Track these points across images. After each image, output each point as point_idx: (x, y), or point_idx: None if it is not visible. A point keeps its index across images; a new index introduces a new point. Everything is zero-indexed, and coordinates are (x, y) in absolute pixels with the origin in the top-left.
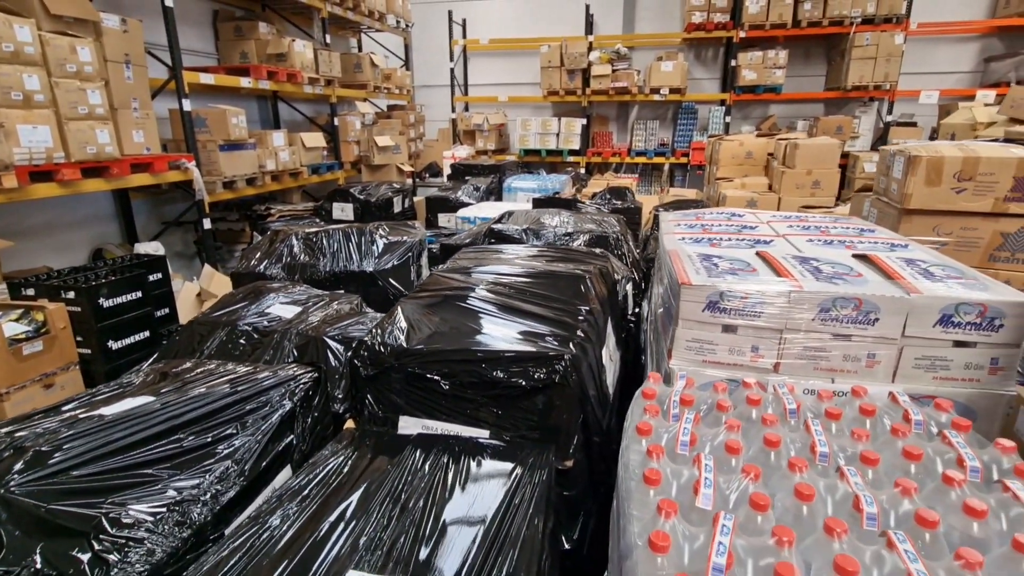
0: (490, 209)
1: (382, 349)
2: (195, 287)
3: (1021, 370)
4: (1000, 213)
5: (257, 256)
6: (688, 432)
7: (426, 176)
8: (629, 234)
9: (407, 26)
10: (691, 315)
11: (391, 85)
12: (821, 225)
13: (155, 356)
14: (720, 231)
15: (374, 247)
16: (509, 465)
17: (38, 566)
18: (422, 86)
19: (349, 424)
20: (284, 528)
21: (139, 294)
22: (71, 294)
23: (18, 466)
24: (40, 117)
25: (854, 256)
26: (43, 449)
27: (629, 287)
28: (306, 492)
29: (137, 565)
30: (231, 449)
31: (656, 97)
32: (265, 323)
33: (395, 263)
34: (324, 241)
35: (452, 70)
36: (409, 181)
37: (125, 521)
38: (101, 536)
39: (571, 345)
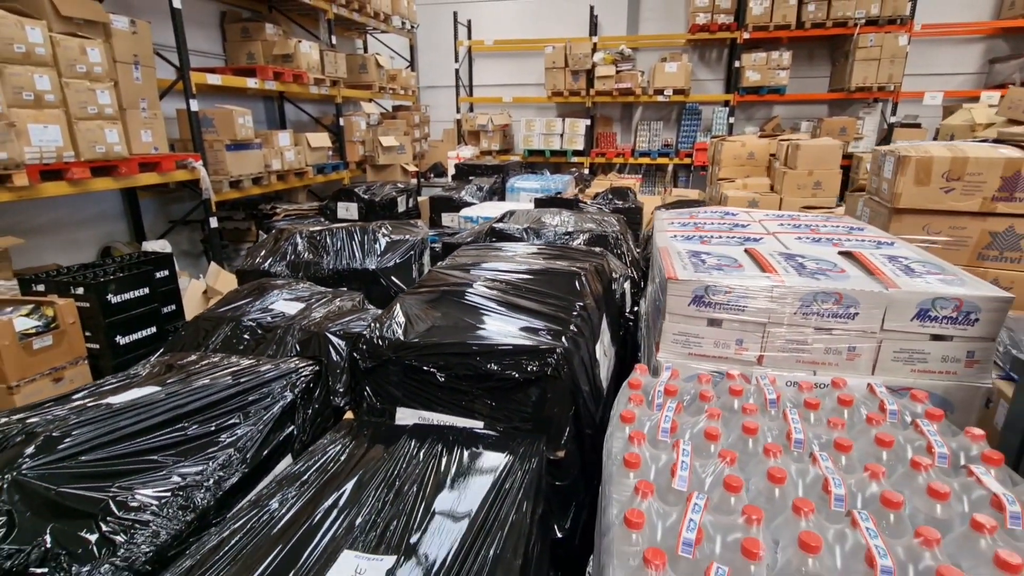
0: (492, 209)
1: (380, 342)
2: (201, 284)
3: (1003, 366)
4: (988, 212)
5: (262, 254)
6: (669, 420)
7: (431, 176)
8: (629, 233)
9: (412, 27)
10: (678, 309)
11: (396, 86)
12: (812, 224)
13: (161, 350)
14: (712, 229)
15: (376, 245)
16: (501, 454)
17: (48, 545)
18: (427, 87)
19: (348, 415)
20: (283, 511)
21: (146, 291)
22: (80, 290)
23: (29, 451)
24: (50, 117)
25: (840, 253)
26: (53, 435)
27: (627, 285)
28: (305, 478)
29: (143, 546)
30: (234, 438)
31: (660, 98)
32: (269, 319)
33: (397, 261)
34: (328, 239)
35: (457, 71)
36: (413, 181)
37: (132, 504)
38: (108, 518)
39: (563, 339)
